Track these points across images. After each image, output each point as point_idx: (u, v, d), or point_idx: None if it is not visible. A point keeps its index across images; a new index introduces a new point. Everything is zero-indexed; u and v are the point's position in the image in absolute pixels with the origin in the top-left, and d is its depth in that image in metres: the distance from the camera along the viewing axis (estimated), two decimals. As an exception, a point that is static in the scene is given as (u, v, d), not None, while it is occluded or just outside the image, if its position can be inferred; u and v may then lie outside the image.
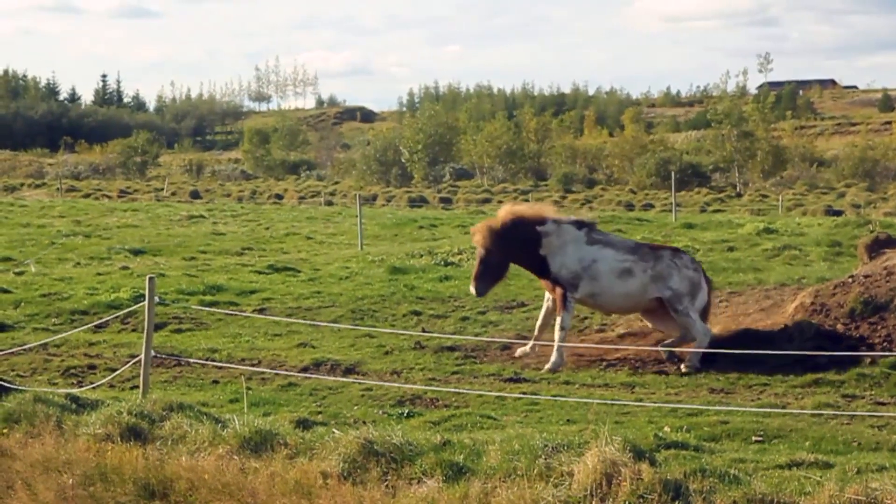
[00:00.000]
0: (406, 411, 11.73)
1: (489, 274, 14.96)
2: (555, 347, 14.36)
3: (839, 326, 14.27)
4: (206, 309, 17.05)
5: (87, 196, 58.34)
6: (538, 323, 15.16)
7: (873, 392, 12.41)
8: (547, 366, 14.24)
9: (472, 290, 15.05)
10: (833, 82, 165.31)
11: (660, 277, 14.68)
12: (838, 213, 42.23)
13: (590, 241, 14.85)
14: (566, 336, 14.63)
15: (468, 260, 22.74)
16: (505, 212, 15.29)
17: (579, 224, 15.07)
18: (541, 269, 14.99)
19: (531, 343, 14.82)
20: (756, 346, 13.67)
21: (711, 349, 13.86)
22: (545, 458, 8.16)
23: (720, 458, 8.96)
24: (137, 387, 11.93)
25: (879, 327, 14.08)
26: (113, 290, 19.35)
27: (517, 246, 14.88)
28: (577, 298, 14.77)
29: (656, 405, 11.56)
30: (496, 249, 14.85)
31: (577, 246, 14.79)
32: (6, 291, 19.87)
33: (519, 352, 14.73)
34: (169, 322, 17.15)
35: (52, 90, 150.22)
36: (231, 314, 16.95)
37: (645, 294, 14.74)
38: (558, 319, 14.67)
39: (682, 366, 14.00)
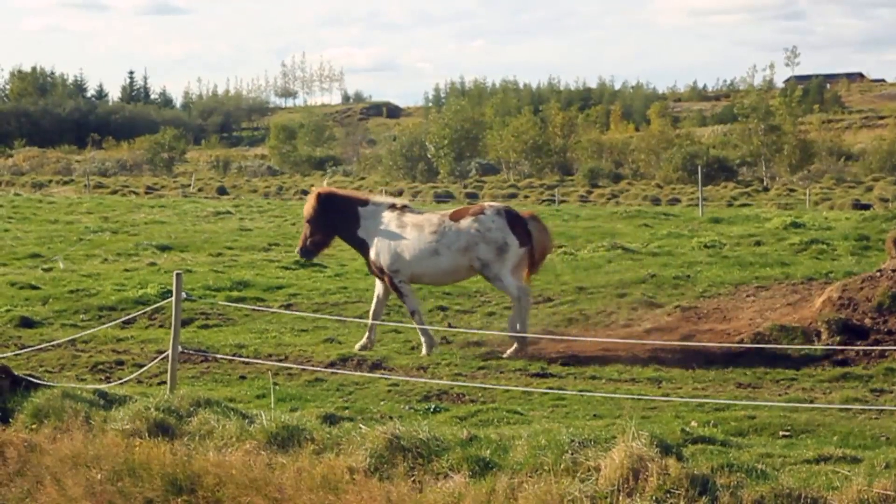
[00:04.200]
0: (432, 406, 11.74)
1: (313, 241, 15.54)
2: (420, 333, 14.71)
3: (867, 321, 14.20)
4: (233, 305, 17.10)
5: (114, 192, 58.63)
6: (371, 310, 15.31)
7: (902, 387, 12.33)
8: (423, 351, 14.55)
9: (297, 251, 15.99)
10: (861, 76, 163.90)
11: (466, 250, 14.81)
12: (866, 207, 42.01)
13: (400, 225, 15.07)
14: (423, 318, 15.08)
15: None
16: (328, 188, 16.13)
17: (392, 207, 15.35)
18: (363, 252, 15.39)
19: (369, 325, 15.00)
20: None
21: (738, 344, 13.82)
22: (572, 453, 8.14)
23: (747, 452, 8.93)
24: (165, 382, 11.95)
25: (908, 322, 14.01)
26: (140, 286, 19.42)
27: (339, 221, 15.33)
28: (404, 280, 15.02)
29: (683, 400, 11.53)
30: (319, 217, 15.34)
31: (388, 230, 15.05)
32: (34, 288, 19.99)
33: (357, 346, 14.76)
34: (196, 318, 17.21)
35: (79, 87, 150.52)
36: (258, 310, 17.00)
37: (460, 266, 14.97)
38: (406, 307, 15.26)
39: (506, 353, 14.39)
